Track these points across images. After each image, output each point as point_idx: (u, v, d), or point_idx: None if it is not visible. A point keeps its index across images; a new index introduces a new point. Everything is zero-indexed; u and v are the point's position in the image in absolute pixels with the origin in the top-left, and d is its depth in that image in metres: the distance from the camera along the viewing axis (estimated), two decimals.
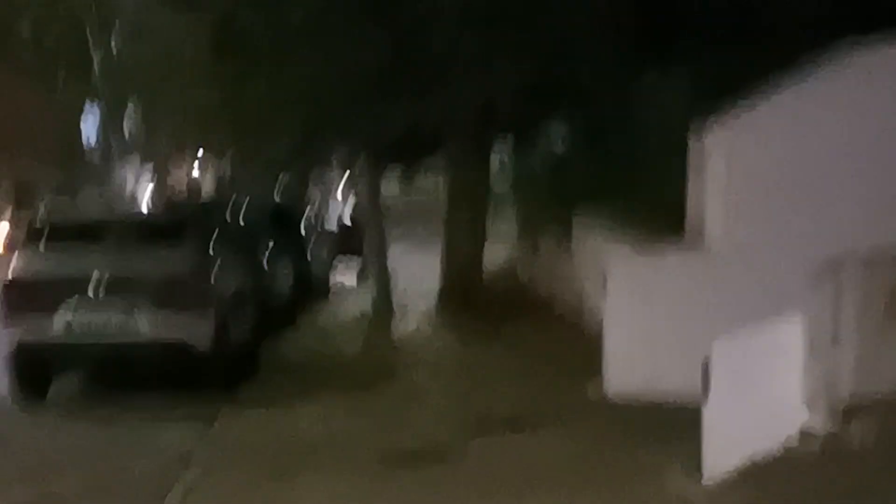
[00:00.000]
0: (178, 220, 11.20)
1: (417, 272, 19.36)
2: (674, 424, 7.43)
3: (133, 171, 48.28)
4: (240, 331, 11.52)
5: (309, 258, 18.84)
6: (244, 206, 17.93)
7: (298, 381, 11.27)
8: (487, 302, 14.38)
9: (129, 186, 43.81)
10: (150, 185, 47.32)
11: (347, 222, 24.05)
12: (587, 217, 11.93)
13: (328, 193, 32.33)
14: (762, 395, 6.15)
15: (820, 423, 6.18)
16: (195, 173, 54.10)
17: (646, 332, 8.69)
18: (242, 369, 11.21)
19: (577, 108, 12.75)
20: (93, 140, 48.52)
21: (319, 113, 13.10)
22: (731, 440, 6.16)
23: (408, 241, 22.65)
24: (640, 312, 8.72)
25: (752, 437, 6.17)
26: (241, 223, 15.75)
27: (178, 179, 52.52)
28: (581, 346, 10.57)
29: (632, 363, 8.78)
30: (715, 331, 7.29)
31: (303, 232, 19.37)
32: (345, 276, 22.11)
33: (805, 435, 6.26)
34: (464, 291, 14.73)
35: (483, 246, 15.31)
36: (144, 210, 11.59)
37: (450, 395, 10.06)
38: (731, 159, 8.41)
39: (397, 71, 12.32)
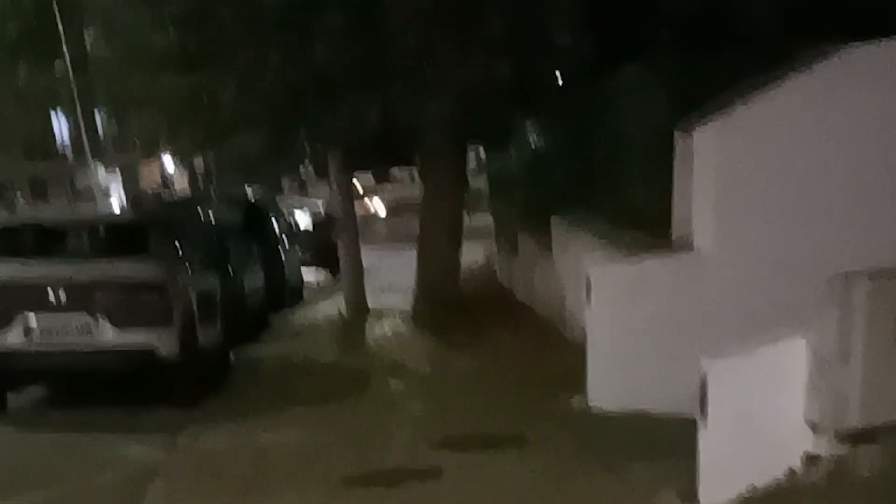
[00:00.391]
0: (143, 222, 10.76)
1: (393, 273, 19.13)
2: (663, 441, 7.09)
3: (104, 171, 47.89)
4: (208, 338, 11.15)
5: (282, 259, 18.49)
6: (215, 207, 17.64)
7: (269, 390, 10.89)
8: (464, 307, 14.02)
9: (100, 187, 43.37)
10: (120, 186, 46.94)
11: (320, 222, 23.62)
12: (567, 220, 11.53)
13: (302, 193, 31.96)
14: (763, 416, 5.75)
15: (825, 448, 5.80)
16: (168, 173, 53.73)
17: (631, 342, 8.29)
18: (210, 378, 10.82)
19: (554, 107, 12.37)
20: (65, 138, 48.18)
21: (290, 109, 12.68)
22: (730, 464, 5.76)
23: (383, 240, 22.55)
24: (624, 321, 8.33)
25: (753, 461, 5.78)
26: (212, 224, 15.37)
27: (150, 180, 52.16)
28: (563, 355, 10.22)
29: (616, 375, 8.39)
30: (705, 342, 7.00)
31: (276, 232, 19.04)
32: (318, 277, 21.78)
33: (810, 460, 5.89)
34: (439, 296, 14.35)
35: (459, 249, 14.92)
36: (110, 211, 11.07)
37: (425, 407, 9.68)
38: (721, 159, 8.04)
39: (369, 67, 11.98)
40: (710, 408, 5.56)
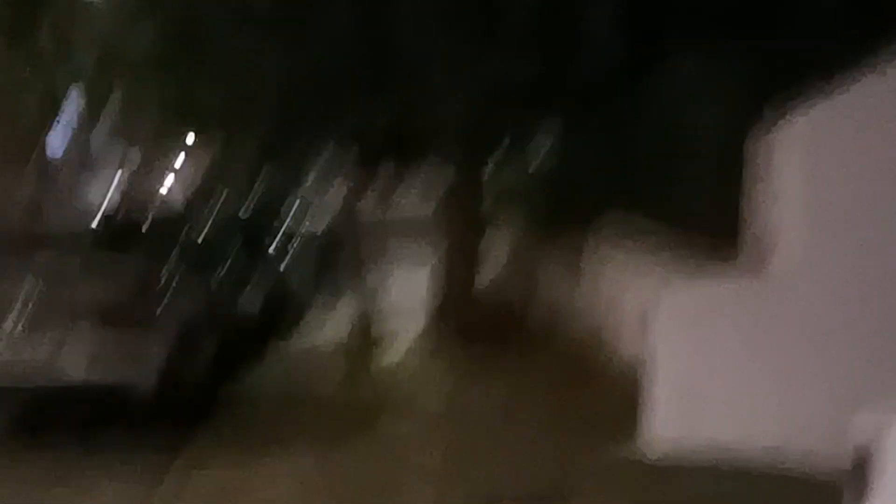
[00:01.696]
0: (117, 237, 9.35)
1: (404, 293, 17.62)
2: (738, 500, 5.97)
3: (96, 176, 46.54)
4: (194, 369, 9.83)
5: (282, 276, 17.07)
6: (208, 218, 16.25)
7: (264, 429, 9.47)
8: (483, 332, 12.60)
9: (89, 194, 42.03)
10: (108, 194, 45.60)
11: (324, 235, 22.05)
12: (607, 234, 10.12)
13: (305, 204, 30.52)
14: None
15: None
16: (165, 180, 52.46)
17: (699, 379, 6.88)
18: (196, 416, 9.43)
19: (588, 108, 10.98)
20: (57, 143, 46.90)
21: (291, 112, 11.35)
22: None
23: (394, 257, 20.92)
24: (691, 355, 6.93)
25: None
26: (203, 237, 13.99)
27: (146, 188, 50.84)
28: (605, 391, 8.85)
29: (681, 418, 6.96)
30: (790, 377, 6.42)
31: (276, 247, 17.62)
32: (322, 296, 20.16)
33: None
34: (455, 319, 13.03)
35: (476, 266, 13.52)
36: (79, 225, 9.72)
37: (442, 452, 8.23)
38: (811, 158, 6.63)
39: (376, 66, 10.81)
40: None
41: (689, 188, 8.25)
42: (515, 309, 14.10)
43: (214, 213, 17.54)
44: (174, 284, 9.93)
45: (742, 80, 7.91)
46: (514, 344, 11.87)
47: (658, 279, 7.54)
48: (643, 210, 9.17)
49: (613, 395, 8.60)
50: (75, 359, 8.46)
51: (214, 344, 10.77)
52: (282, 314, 16.42)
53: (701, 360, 6.87)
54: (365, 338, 14.04)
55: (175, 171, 43.44)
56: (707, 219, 7.89)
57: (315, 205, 30.47)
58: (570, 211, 11.29)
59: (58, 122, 38.52)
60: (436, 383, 10.78)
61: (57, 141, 42.69)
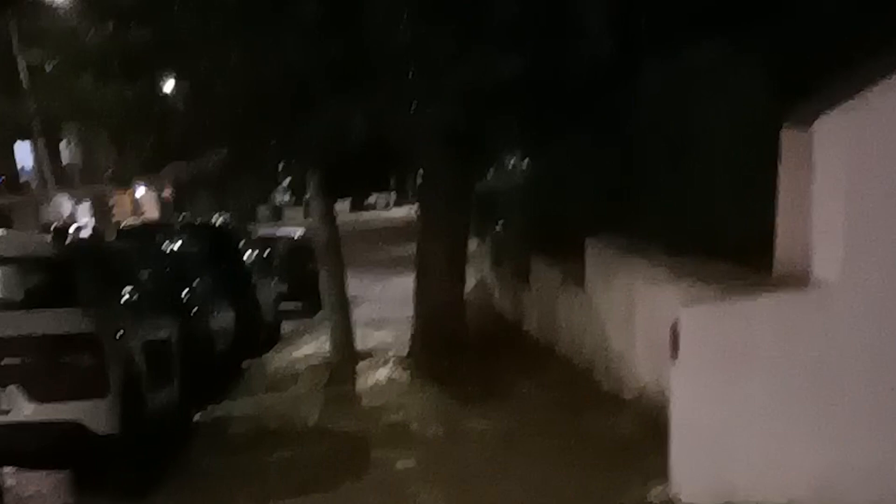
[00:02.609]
0: (69, 260, 8.40)
1: (382, 303, 16.73)
2: None
3: (72, 202, 45.55)
4: (160, 402, 8.95)
5: (255, 295, 16.20)
6: (175, 237, 15.40)
7: (233, 468, 8.51)
8: (470, 350, 11.71)
9: (68, 218, 41.09)
10: (90, 218, 44.52)
11: (298, 251, 21.07)
12: (611, 244, 9.21)
13: (277, 219, 29.57)
14: None
15: None
16: (140, 202, 51.49)
17: (735, 407, 6.00)
18: (158, 457, 8.52)
19: (586, 106, 10.09)
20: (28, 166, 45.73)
21: (257, 119, 10.42)
22: None
23: (373, 272, 20.03)
24: (725, 379, 6.02)
25: None
26: (168, 258, 13.12)
27: (122, 210, 49.83)
28: (611, 416, 7.95)
29: (713, 454, 6.07)
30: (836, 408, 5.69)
31: (247, 264, 16.75)
32: (298, 314, 19.23)
33: None
34: (442, 337, 12.07)
35: (463, 280, 12.64)
36: (26, 247, 8.75)
37: (433, 494, 7.25)
38: (857, 161, 5.78)
39: (349, 70, 9.78)
40: None
41: (711, 194, 7.33)
42: (511, 326, 13.23)
43: (184, 230, 16.84)
44: (134, 312, 9.07)
45: (769, 72, 7.02)
46: (511, 364, 10.96)
47: (680, 297, 6.63)
48: (658, 219, 8.23)
49: (618, 420, 7.73)
50: (25, 396, 7.49)
51: (182, 374, 9.93)
52: (258, 333, 15.59)
53: (739, 385, 5.98)
54: (345, 356, 13.14)
55: (159, 188, 42.79)
56: (734, 228, 7.00)
57: (287, 215, 29.63)
58: (570, 221, 10.39)
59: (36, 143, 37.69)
60: (423, 411, 9.83)
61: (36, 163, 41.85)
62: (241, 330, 14.30)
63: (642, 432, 7.18)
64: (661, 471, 6.27)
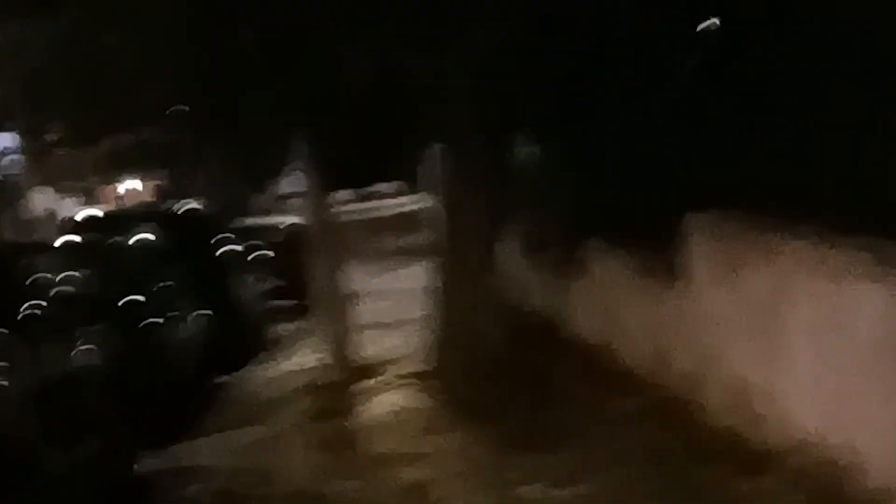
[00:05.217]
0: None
1: (392, 313, 13.95)
2: None
3: (54, 194, 42.96)
4: (60, 465, 6.30)
5: (236, 296, 13.48)
6: (134, 228, 12.64)
7: None
8: (520, 371, 8.90)
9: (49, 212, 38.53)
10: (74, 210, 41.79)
11: (289, 242, 18.13)
12: (727, 222, 6.43)
13: (265, 206, 26.70)
14: None
15: None
16: (123, 193, 48.86)
17: None
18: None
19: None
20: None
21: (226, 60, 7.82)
22: None
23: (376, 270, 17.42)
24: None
25: None
26: (112, 255, 10.35)
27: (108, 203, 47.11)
28: (753, 484, 5.20)
29: None
30: None
31: (227, 259, 14.04)
32: (285, 322, 16.20)
33: None
34: (468, 346, 9.29)
35: (495, 278, 9.90)
36: None
37: None
38: None
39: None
40: None
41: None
42: (556, 333, 10.33)
43: (148, 218, 14.07)
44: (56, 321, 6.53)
45: None
46: (573, 389, 8.22)
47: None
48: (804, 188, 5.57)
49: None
50: None
51: (131, 406, 7.37)
52: (239, 342, 12.71)
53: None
54: (344, 370, 10.48)
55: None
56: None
57: (275, 207, 26.64)
58: (654, 192, 7.57)
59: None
60: (457, 461, 7.05)
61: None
62: (213, 339, 11.48)
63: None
64: None
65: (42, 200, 40.75)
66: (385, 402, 8.88)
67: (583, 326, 10.01)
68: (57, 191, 42.55)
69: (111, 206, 29.82)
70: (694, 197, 6.88)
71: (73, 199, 40.99)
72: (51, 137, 27.24)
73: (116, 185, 46.03)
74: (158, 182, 46.97)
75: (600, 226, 8.82)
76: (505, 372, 8.66)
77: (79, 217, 14.85)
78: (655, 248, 7.63)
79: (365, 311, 14.01)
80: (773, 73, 6.30)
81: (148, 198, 45.20)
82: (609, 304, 8.95)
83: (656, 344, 7.67)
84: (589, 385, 8.01)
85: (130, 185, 48.03)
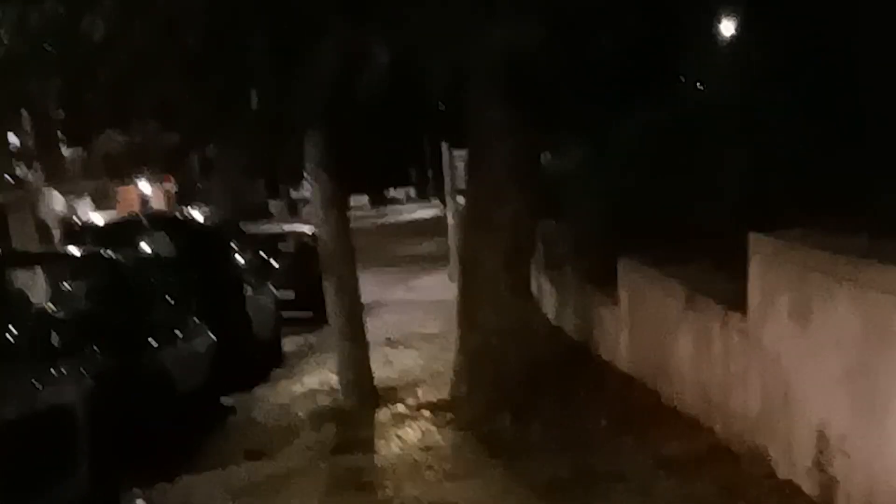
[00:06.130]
0: None
1: (409, 320, 12.97)
2: None
3: (68, 198, 42.27)
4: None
5: (246, 309, 12.64)
6: (134, 237, 11.86)
7: None
8: (537, 404, 8.05)
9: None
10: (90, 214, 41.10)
11: (304, 252, 17.26)
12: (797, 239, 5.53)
13: (277, 213, 25.98)
14: None
15: None
16: (145, 196, 48.15)
17: None
18: None
19: None
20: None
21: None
22: None
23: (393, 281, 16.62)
24: None
25: None
26: (108, 269, 9.47)
27: (126, 206, 46.34)
28: None
29: None
30: None
31: (238, 269, 13.27)
32: (298, 335, 15.33)
33: None
34: (500, 374, 8.45)
35: (529, 301, 8.96)
36: None
37: None
38: None
39: None
40: None
41: None
42: (573, 366, 9.41)
43: (156, 226, 13.25)
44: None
45: None
46: (575, 418, 7.44)
47: None
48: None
49: None
50: None
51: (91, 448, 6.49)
52: (249, 358, 11.84)
53: None
54: (362, 394, 9.65)
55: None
56: None
57: (287, 214, 25.90)
58: (710, 201, 6.71)
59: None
60: (461, 474, 6.47)
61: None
62: (222, 356, 10.60)
63: None
64: None
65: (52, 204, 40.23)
66: (406, 437, 8.00)
67: (625, 358, 9.11)
68: (64, 194, 42.05)
69: (115, 213, 29.10)
70: (760, 212, 6.01)
71: (80, 202, 40.48)
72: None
73: (124, 189, 45.50)
74: (164, 186, 46.47)
75: (645, 245, 7.96)
76: (538, 406, 7.80)
77: (76, 224, 14.09)
78: (712, 273, 6.78)
79: (382, 325, 13.26)
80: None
81: (157, 204, 44.65)
82: (655, 334, 8.03)
83: (710, 382, 6.75)
84: (632, 425, 7.11)
85: (140, 191, 47.40)
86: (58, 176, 41.15)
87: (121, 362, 7.33)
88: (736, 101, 7.14)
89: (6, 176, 38.61)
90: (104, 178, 41.85)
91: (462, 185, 23.31)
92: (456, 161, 22.11)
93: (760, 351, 5.81)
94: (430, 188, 55.70)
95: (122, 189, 46.38)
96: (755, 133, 6.93)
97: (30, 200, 41.49)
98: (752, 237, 5.79)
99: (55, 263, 9.15)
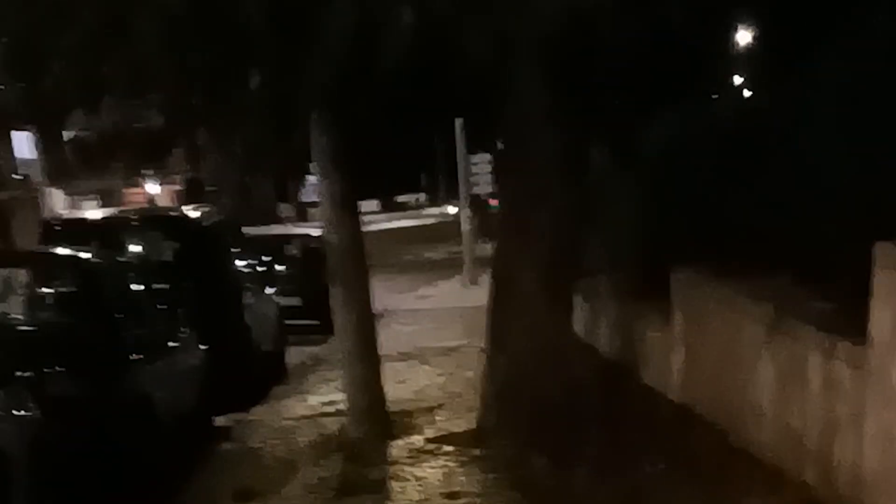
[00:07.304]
0: None
1: (424, 331, 11.91)
2: None
3: (74, 198, 41.41)
4: None
5: (244, 319, 11.46)
6: (124, 239, 10.77)
7: None
8: (579, 442, 6.80)
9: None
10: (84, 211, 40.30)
11: (311, 257, 16.13)
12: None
13: (283, 215, 25.02)
14: None
15: None
16: (152, 197, 47.37)
17: None
18: None
19: None
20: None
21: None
22: None
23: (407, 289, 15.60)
24: None
25: None
26: (85, 274, 8.30)
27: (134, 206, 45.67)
28: None
29: None
30: None
31: (237, 276, 12.18)
32: (302, 347, 14.19)
33: None
34: (525, 414, 7.28)
35: (561, 322, 7.76)
36: None
37: None
38: None
39: None
40: None
41: None
42: (621, 396, 8.20)
43: (146, 226, 12.15)
44: None
45: None
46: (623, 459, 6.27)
47: None
48: None
49: None
50: None
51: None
52: (246, 373, 10.69)
53: None
54: (373, 420, 8.44)
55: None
56: None
57: (294, 216, 24.94)
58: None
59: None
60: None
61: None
62: (216, 371, 9.46)
63: None
64: None
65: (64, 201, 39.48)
66: (426, 478, 6.82)
67: (677, 386, 7.91)
68: (70, 194, 41.19)
69: (112, 210, 28.18)
70: (877, 217, 4.84)
71: (83, 200, 39.64)
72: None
73: (130, 190, 44.74)
74: (172, 187, 45.69)
75: (713, 256, 6.80)
76: (580, 443, 6.61)
77: (62, 221, 12.93)
78: (793, 290, 5.60)
79: (392, 336, 12.20)
80: None
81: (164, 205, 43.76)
82: (722, 361, 6.83)
83: (804, 425, 5.55)
84: (697, 471, 5.93)
85: (148, 191, 46.63)
86: (64, 175, 40.54)
87: (87, 385, 6.17)
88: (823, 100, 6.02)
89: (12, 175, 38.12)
90: (111, 177, 41.24)
91: (477, 190, 22.72)
92: (472, 165, 21.35)
93: (886, 388, 4.61)
94: (441, 193, 55.22)
95: (129, 190, 45.71)
96: (847, 132, 5.80)
97: (32, 199, 40.81)
98: (879, 247, 4.60)
99: (27, 266, 7.95)
